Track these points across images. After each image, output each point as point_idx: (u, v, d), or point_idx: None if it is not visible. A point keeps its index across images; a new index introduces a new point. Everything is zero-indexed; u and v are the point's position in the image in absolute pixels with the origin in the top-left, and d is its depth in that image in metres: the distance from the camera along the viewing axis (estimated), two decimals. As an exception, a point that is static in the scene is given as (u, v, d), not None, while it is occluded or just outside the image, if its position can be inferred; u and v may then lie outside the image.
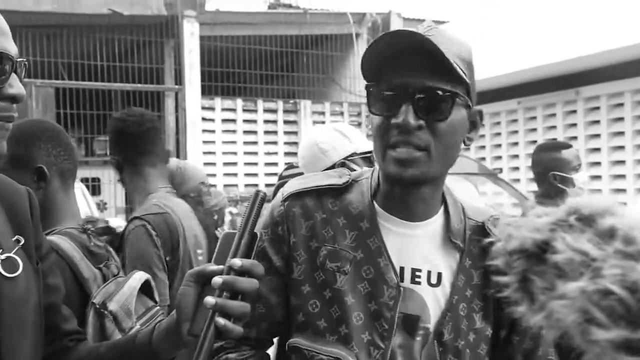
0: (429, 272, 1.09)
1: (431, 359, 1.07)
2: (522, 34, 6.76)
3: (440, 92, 1.01)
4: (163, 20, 9.82)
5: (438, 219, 1.12)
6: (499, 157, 8.68)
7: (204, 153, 9.73)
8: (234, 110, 10.04)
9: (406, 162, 1.01)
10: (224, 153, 9.88)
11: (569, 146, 3.02)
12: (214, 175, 9.57)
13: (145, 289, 1.65)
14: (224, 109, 9.94)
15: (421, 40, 0.98)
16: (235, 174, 9.81)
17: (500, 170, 8.29)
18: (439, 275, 1.09)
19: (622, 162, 7.06)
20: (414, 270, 1.08)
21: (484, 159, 8.79)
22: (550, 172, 2.87)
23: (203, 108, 9.81)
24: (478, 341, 1.09)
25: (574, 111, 7.61)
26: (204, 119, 9.79)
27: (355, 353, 1.05)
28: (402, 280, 1.08)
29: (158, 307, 1.68)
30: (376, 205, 1.11)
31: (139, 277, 1.60)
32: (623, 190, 7.09)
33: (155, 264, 2.14)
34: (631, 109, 6.94)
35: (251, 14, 10.43)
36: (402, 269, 1.09)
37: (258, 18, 10.37)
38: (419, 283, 1.08)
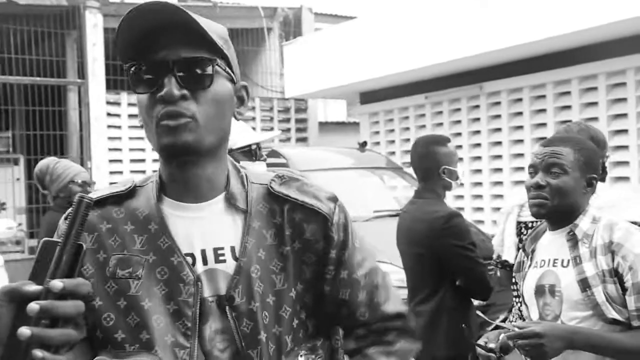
0: (232, 248, 1.09)
1: (226, 326, 1.05)
2: (429, 30, 7.02)
3: (198, 61, 1.04)
4: (63, 11, 9.34)
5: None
6: (408, 152, 8.84)
7: (110, 150, 9.35)
8: (140, 105, 9.70)
9: (176, 129, 1.02)
10: (130, 150, 9.53)
11: (449, 140, 2.96)
12: (120, 172, 9.22)
13: None
14: (130, 104, 9.58)
15: (174, 12, 0.99)
16: (143, 171, 9.49)
17: (409, 164, 8.43)
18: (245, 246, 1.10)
19: (521, 155, 7.36)
20: (215, 250, 1.08)
21: (393, 153, 8.94)
22: (443, 166, 2.83)
23: (108, 103, 9.42)
24: (280, 303, 1.08)
25: (478, 106, 7.87)
26: (109, 114, 9.41)
27: (160, 357, 1.02)
28: (205, 263, 1.08)
29: None
30: (165, 198, 1.11)
31: None
32: (521, 183, 7.40)
33: None
34: (529, 104, 7.24)
35: (158, 5, 10.11)
36: (203, 251, 1.08)
37: (165, 10, 10.07)
38: (224, 261, 1.08)
